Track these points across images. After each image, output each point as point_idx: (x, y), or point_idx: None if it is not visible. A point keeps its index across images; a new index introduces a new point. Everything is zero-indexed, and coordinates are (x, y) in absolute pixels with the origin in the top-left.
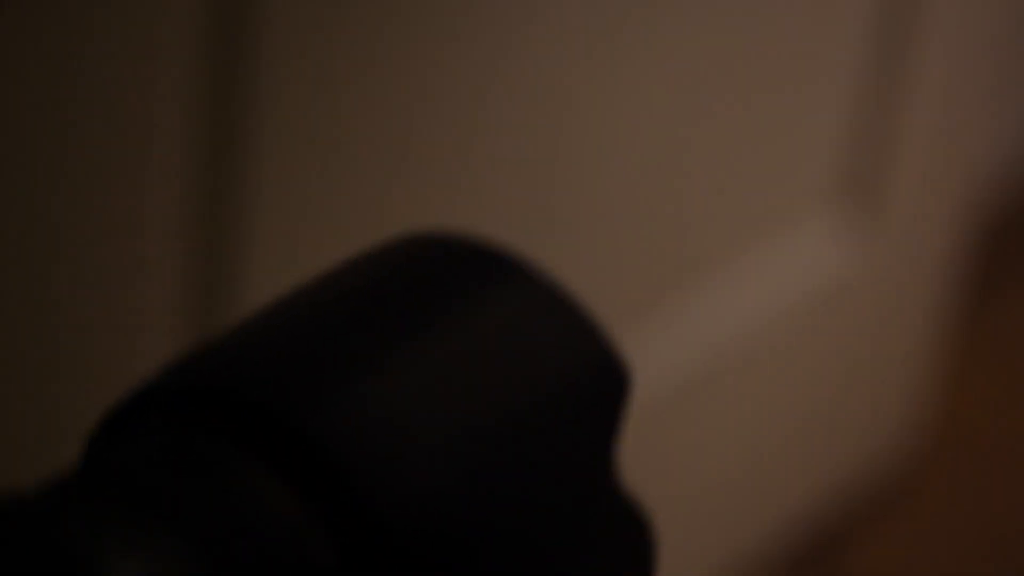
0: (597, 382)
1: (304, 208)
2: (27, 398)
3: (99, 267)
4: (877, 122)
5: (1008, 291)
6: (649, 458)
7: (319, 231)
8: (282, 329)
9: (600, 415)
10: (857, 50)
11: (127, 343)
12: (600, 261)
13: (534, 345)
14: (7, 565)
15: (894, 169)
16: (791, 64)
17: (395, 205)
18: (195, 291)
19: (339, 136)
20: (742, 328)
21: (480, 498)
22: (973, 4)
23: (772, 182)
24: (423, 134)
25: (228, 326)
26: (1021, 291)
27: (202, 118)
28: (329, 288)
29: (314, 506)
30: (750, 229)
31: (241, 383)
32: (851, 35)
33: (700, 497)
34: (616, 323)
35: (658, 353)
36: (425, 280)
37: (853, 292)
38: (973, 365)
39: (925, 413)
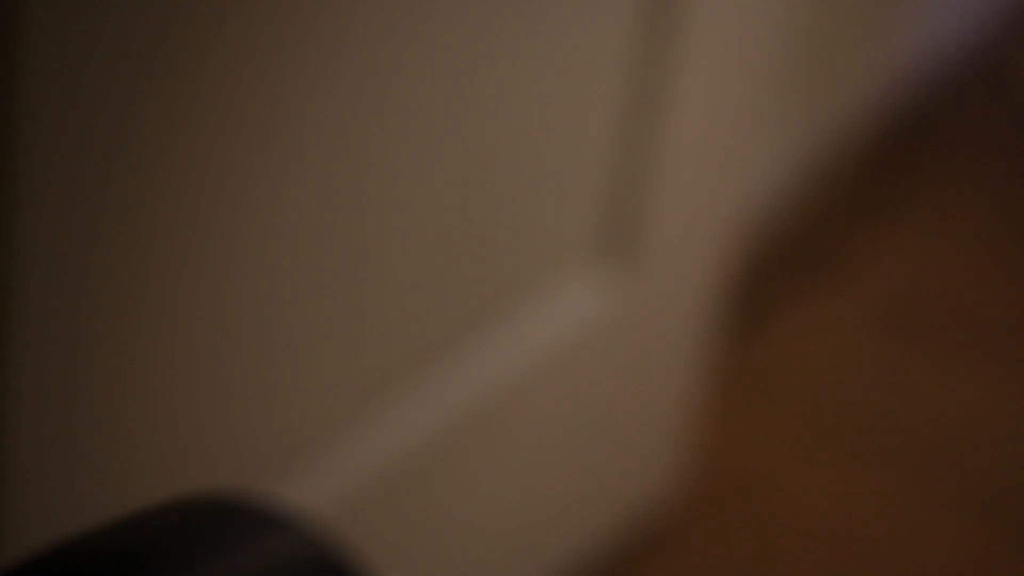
0: None
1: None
2: None
3: None
4: (633, 174)
5: (771, 329)
6: (419, 508)
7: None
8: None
9: None
10: (611, 105)
11: None
12: (362, 321)
13: None
14: None
15: (652, 219)
16: (548, 123)
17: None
18: None
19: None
20: (506, 383)
21: None
22: (725, 52)
23: (531, 238)
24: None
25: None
26: (784, 329)
27: None
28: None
29: None
30: (512, 285)
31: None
32: (605, 90)
33: (468, 545)
34: (386, 379)
35: (426, 408)
36: (214, 537)
37: (617, 341)
38: (738, 405)
39: (691, 455)
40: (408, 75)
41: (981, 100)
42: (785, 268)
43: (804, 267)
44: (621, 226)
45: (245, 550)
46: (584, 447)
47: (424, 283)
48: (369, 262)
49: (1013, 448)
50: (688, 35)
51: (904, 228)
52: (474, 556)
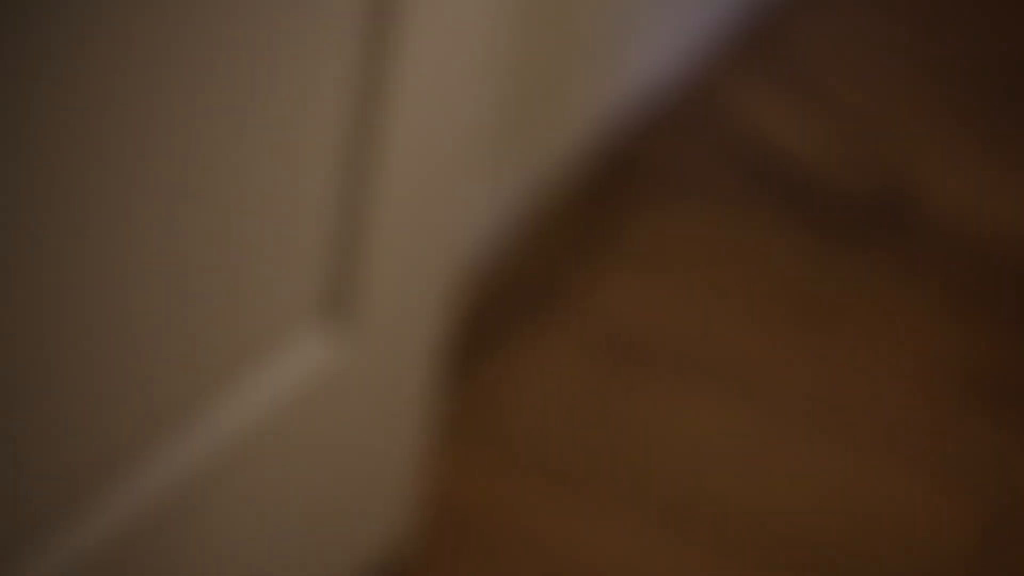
0: None
1: None
2: None
3: None
4: (349, 229)
5: (497, 369)
6: (153, 569)
7: None
8: None
9: None
10: (325, 161)
11: None
12: (81, 393)
13: None
14: None
15: (371, 271)
16: (262, 184)
17: None
18: None
19: None
20: (235, 444)
21: None
22: (436, 99)
23: (252, 300)
24: None
25: None
26: (509, 368)
27: None
28: None
29: None
30: (236, 348)
31: None
32: (317, 145)
33: None
34: (113, 448)
35: (156, 474)
36: None
37: (346, 393)
38: (469, 446)
39: (425, 499)
40: (114, 131)
41: (694, 132)
42: (508, 307)
43: (527, 305)
44: (341, 281)
45: None
46: (319, 501)
47: (145, 351)
48: (85, 331)
49: (737, 476)
50: (398, 86)
51: (623, 262)
52: None
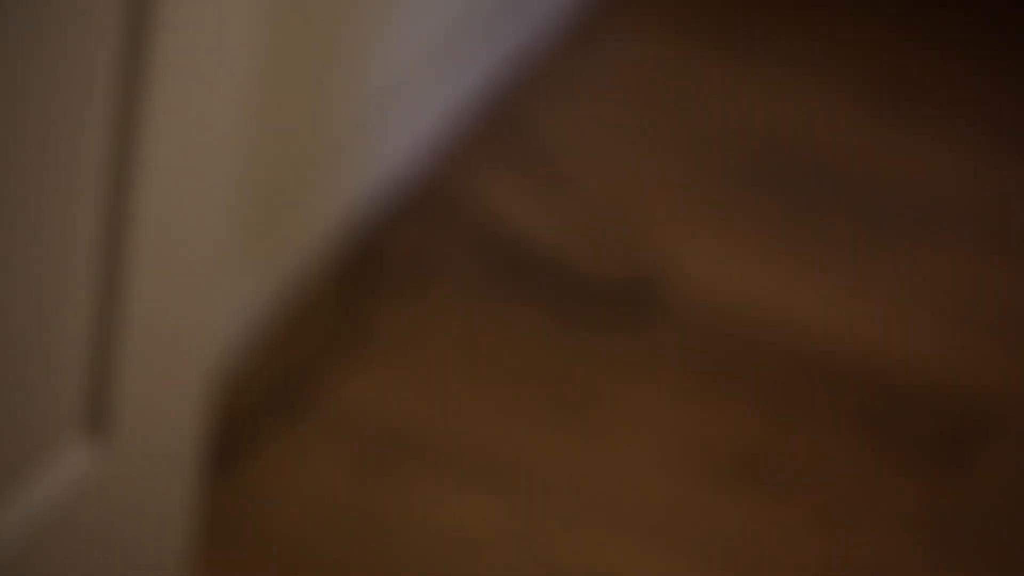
0: None
1: None
2: None
3: None
4: (98, 345)
5: (256, 473)
6: None
7: None
8: None
9: None
10: (74, 280)
11: None
12: None
13: None
14: None
15: (123, 386)
16: (12, 308)
17: None
18: None
19: None
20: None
21: None
22: (178, 209)
23: (7, 420)
24: None
25: None
26: (268, 471)
27: None
28: None
29: None
30: None
31: None
32: (64, 263)
33: None
34: None
35: None
36: None
37: (103, 509)
38: (228, 552)
39: None
40: None
41: (440, 222)
42: (267, 408)
43: (285, 404)
44: (96, 393)
45: None
46: None
47: None
48: None
49: (503, 569)
50: (142, 194)
51: (377, 356)
52: None
